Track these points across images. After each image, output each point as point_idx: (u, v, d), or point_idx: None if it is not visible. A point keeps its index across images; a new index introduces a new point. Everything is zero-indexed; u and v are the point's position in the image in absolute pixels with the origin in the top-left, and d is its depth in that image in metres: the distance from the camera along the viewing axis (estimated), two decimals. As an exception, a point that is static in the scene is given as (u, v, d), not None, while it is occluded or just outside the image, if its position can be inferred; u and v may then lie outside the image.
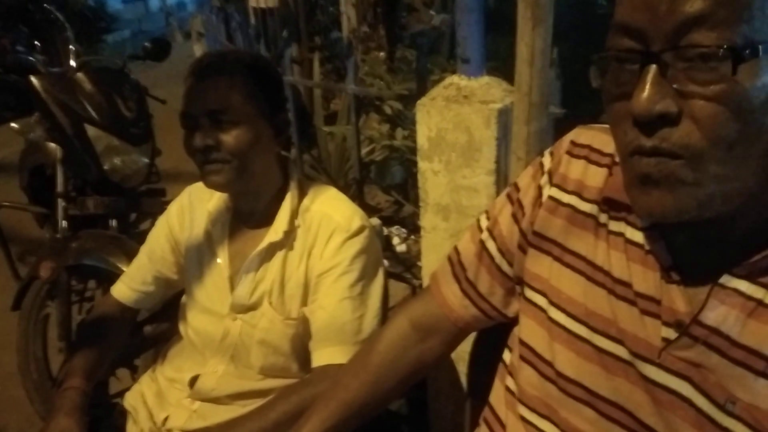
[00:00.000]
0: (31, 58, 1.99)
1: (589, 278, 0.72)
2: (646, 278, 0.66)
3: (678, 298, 0.63)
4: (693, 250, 0.63)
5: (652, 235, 0.66)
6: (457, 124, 1.27)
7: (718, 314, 0.60)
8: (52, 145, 2.03)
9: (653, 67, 0.53)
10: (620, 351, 0.68)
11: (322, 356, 1.11)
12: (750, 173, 0.55)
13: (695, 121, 0.53)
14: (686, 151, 0.53)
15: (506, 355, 0.87)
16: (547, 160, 0.81)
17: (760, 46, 0.51)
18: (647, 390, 0.65)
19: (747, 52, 0.50)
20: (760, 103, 0.52)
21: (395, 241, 2.86)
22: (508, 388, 0.83)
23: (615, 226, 0.70)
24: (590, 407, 0.71)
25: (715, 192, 0.55)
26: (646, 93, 0.53)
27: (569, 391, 0.72)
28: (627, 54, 0.56)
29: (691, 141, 0.53)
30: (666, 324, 0.64)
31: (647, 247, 0.66)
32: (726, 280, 0.60)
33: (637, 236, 0.68)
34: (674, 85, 0.53)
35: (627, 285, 0.67)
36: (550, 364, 0.74)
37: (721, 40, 0.50)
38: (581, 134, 0.79)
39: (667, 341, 0.63)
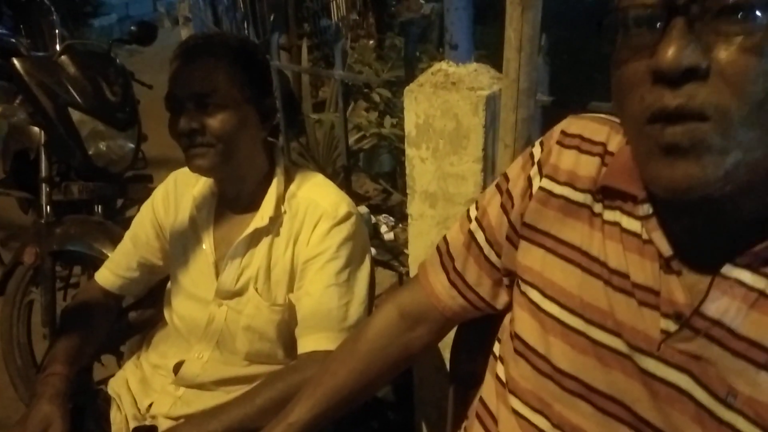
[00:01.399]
0: (14, 40, 1.96)
1: (584, 269, 0.70)
2: (643, 268, 0.64)
3: (677, 289, 0.61)
4: (693, 240, 0.61)
5: (651, 224, 0.64)
6: (445, 110, 1.27)
7: (720, 306, 0.59)
8: (36, 129, 2.00)
9: (680, 20, 0.51)
10: (617, 344, 0.66)
11: (308, 342, 1.11)
12: None
13: (724, 78, 0.50)
14: (715, 110, 0.50)
15: (496, 347, 0.87)
16: (537, 151, 0.79)
17: None
18: (645, 383, 0.64)
19: None
20: None
21: (383, 229, 2.87)
22: (498, 379, 0.82)
23: (610, 215, 0.69)
24: (586, 401, 0.69)
25: (741, 160, 0.52)
26: (673, 46, 0.50)
27: (565, 385, 0.70)
28: (647, 11, 0.53)
29: (721, 99, 0.50)
30: (665, 315, 0.62)
31: (645, 237, 0.64)
32: (728, 270, 0.58)
33: (634, 225, 0.66)
34: (702, 38, 0.50)
35: (624, 276, 0.66)
36: (544, 357, 0.73)
37: None
38: (572, 124, 0.77)
39: (666, 333, 0.62)
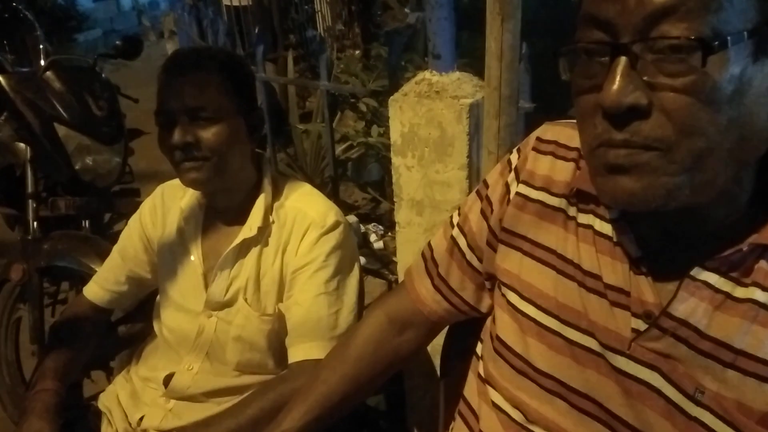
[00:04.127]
0: (-2, 56, 1.96)
1: (559, 271, 0.72)
2: (615, 270, 0.66)
3: (647, 290, 0.63)
4: (662, 242, 0.64)
5: (620, 227, 0.66)
6: (430, 119, 1.28)
7: (688, 306, 0.61)
8: (22, 145, 1.99)
9: (623, 59, 0.53)
10: (591, 343, 0.68)
11: (298, 352, 1.11)
12: (721, 165, 0.54)
13: (666, 113, 0.53)
14: (660, 143, 0.53)
15: (478, 347, 0.89)
16: (514, 157, 0.82)
17: (728, 38, 0.50)
18: (617, 381, 0.66)
19: (716, 43, 0.50)
20: (729, 94, 0.51)
21: (372, 238, 2.87)
22: (480, 377, 0.84)
23: (584, 218, 0.71)
24: (562, 399, 0.71)
25: (684, 182, 0.54)
26: (616, 85, 0.53)
27: (542, 384, 0.73)
28: (596, 46, 0.56)
29: (664, 133, 0.53)
30: (635, 315, 0.64)
31: (615, 239, 0.66)
32: (696, 272, 0.60)
33: (606, 228, 0.68)
34: (644, 77, 0.53)
35: (597, 277, 0.68)
36: (522, 357, 0.75)
37: (690, 31, 0.50)
38: (547, 131, 0.79)
39: (636, 332, 0.64)
